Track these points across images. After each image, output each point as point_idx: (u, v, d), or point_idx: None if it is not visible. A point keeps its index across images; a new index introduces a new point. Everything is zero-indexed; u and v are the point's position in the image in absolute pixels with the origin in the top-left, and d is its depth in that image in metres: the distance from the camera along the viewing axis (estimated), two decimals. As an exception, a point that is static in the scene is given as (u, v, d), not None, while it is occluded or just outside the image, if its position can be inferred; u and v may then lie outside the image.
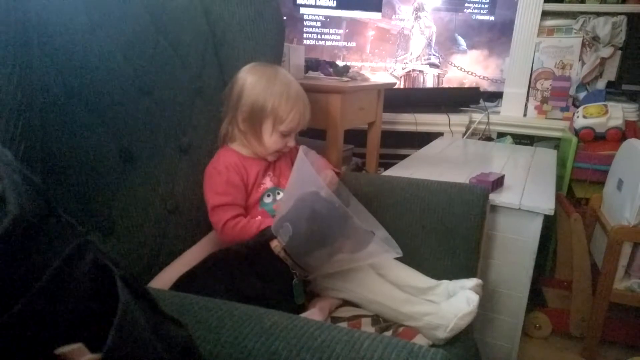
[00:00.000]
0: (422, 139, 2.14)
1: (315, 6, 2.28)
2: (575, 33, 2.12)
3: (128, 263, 0.83)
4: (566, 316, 1.60)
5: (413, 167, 1.60)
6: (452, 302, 0.94)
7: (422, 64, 2.47)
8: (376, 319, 0.93)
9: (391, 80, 2.41)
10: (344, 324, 0.90)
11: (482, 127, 2.29)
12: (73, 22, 0.77)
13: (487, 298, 1.31)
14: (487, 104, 2.35)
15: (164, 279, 0.86)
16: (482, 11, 2.39)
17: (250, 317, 0.56)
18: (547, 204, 1.25)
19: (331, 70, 1.63)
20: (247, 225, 0.96)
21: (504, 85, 2.29)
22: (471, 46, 2.44)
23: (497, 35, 2.39)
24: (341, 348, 0.50)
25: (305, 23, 2.30)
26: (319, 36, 2.34)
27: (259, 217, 1.00)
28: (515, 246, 1.30)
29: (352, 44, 2.40)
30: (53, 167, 0.71)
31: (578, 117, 1.91)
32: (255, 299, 0.68)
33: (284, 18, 1.25)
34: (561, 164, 1.92)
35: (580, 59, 2.14)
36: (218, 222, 0.96)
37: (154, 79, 0.94)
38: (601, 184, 1.73)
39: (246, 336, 0.52)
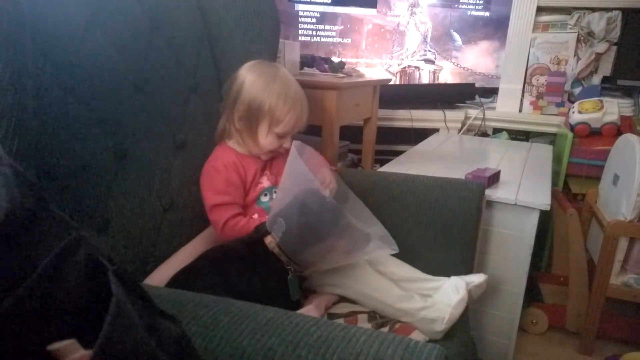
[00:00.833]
0: (418, 135, 2.14)
1: (311, 2, 2.28)
2: (570, 28, 2.13)
3: (122, 260, 0.82)
4: (562, 311, 1.61)
5: (409, 163, 1.60)
6: (442, 293, 0.95)
7: (417, 60, 2.47)
8: (373, 315, 0.93)
9: (387, 76, 2.41)
10: (340, 320, 0.90)
11: (478, 123, 2.30)
12: (67, 19, 0.76)
13: (484, 294, 1.31)
14: (483, 99, 2.36)
15: (159, 276, 0.86)
16: (477, 7, 2.39)
17: (246, 314, 0.55)
18: (543, 199, 1.25)
19: (326, 66, 1.62)
20: (247, 224, 0.95)
21: (499, 81, 2.30)
22: (466, 42, 2.44)
23: (492, 31, 2.40)
24: (337, 344, 0.49)
25: (301, 19, 2.29)
26: (314, 32, 2.33)
27: (256, 215, 1.00)
28: (511, 242, 1.30)
29: (348, 40, 2.40)
30: (47, 164, 0.70)
31: (573, 112, 1.91)
32: (250, 295, 0.68)
33: (279, 14, 1.24)
34: (557, 159, 1.93)
35: (576, 54, 2.15)
36: (218, 221, 0.96)
37: (149, 75, 0.93)
38: (597, 179, 1.74)
39: (242, 333, 0.52)
